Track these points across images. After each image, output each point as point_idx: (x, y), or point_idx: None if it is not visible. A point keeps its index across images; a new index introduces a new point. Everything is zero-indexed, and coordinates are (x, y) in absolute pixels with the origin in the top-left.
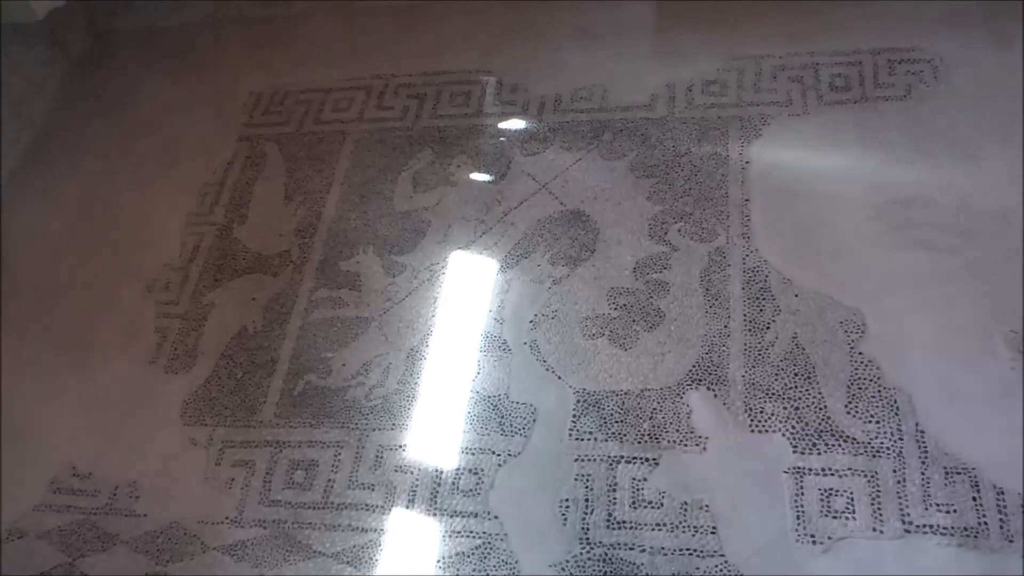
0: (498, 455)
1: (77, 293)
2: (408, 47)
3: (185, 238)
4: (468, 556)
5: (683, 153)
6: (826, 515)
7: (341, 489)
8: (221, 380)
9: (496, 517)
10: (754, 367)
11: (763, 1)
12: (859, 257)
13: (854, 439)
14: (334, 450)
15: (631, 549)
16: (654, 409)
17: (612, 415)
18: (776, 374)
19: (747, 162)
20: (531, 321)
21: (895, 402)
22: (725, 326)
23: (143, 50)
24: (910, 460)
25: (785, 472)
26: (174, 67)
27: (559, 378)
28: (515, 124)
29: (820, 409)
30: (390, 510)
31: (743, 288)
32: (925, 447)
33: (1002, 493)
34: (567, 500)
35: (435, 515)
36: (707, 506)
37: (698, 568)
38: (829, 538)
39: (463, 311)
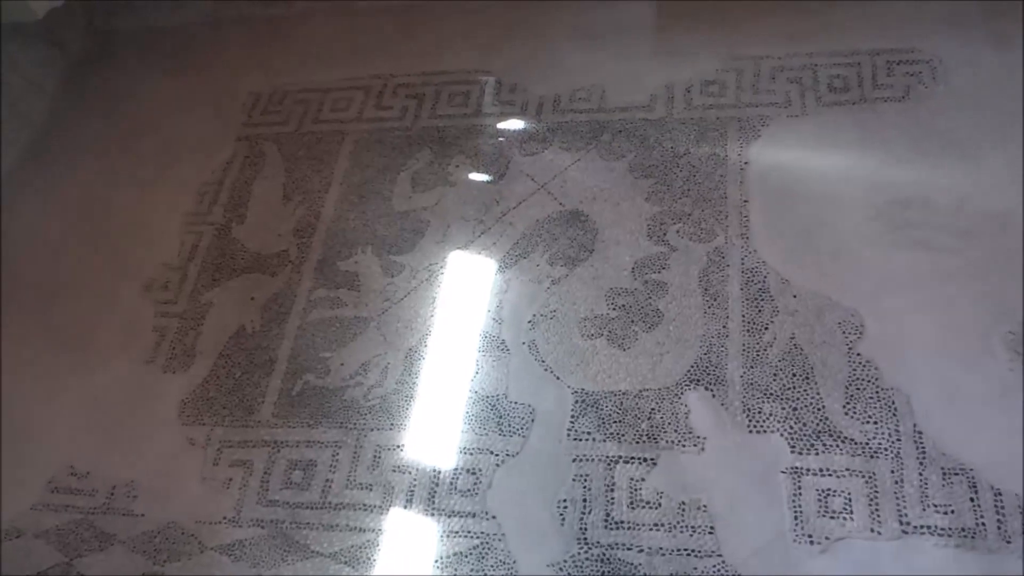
0: (496, 455)
1: (75, 292)
2: (408, 47)
3: (184, 237)
4: (466, 556)
5: (682, 154)
6: (824, 515)
7: (339, 489)
8: (219, 380)
9: (494, 517)
10: (752, 367)
11: (762, 1)
12: (858, 258)
13: (852, 440)
14: (332, 450)
15: (629, 549)
16: (652, 409)
17: (610, 415)
18: (774, 375)
19: (746, 163)
20: (530, 321)
21: (893, 403)
22: (723, 326)
23: (142, 50)
24: (908, 461)
25: (783, 472)
26: (173, 67)
27: (557, 378)
28: (514, 124)
29: (818, 410)
30: (388, 510)
31: (741, 289)
32: (923, 448)
33: (999, 494)
34: (565, 500)
35: (433, 515)
36: (705, 506)
37: (696, 568)
38: (827, 538)
39: (462, 311)
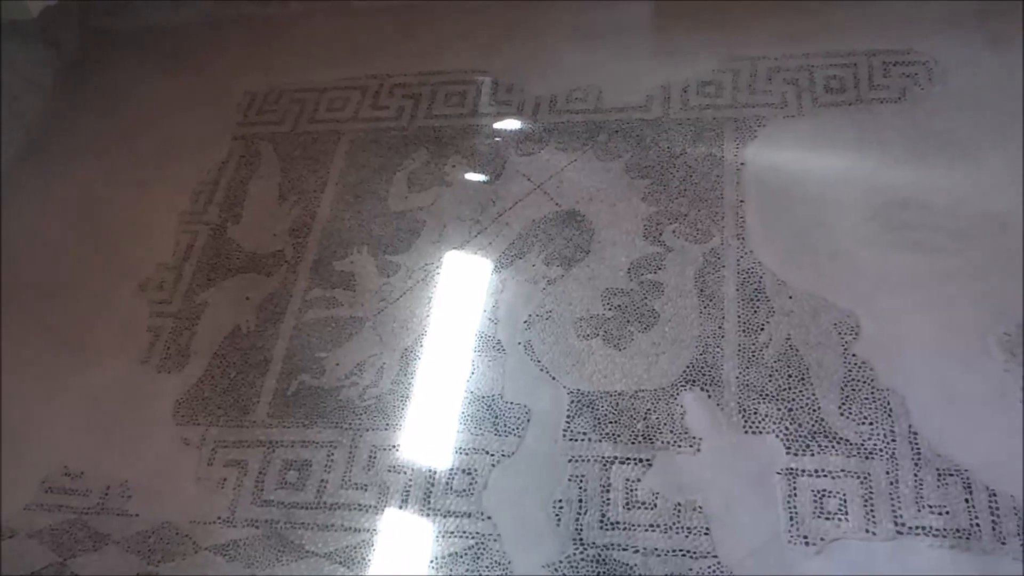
0: (492, 455)
1: (71, 292)
2: (407, 47)
3: (179, 237)
4: (461, 556)
5: (678, 154)
6: (819, 516)
7: (334, 489)
8: (214, 380)
9: (489, 517)
10: (748, 368)
11: (761, 1)
12: (854, 259)
13: (847, 441)
14: (327, 450)
15: (624, 550)
16: (648, 410)
17: (606, 416)
18: (770, 375)
19: (742, 163)
20: (525, 321)
21: (888, 404)
22: (719, 327)
23: (140, 49)
24: (903, 462)
25: (778, 473)
26: (171, 66)
27: (553, 378)
28: (510, 124)
29: (813, 411)
30: (383, 510)
31: (737, 289)
32: (918, 449)
33: (994, 495)
34: (561, 501)
35: (428, 515)
36: (700, 507)
37: (691, 569)
38: (822, 539)
39: (457, 311)
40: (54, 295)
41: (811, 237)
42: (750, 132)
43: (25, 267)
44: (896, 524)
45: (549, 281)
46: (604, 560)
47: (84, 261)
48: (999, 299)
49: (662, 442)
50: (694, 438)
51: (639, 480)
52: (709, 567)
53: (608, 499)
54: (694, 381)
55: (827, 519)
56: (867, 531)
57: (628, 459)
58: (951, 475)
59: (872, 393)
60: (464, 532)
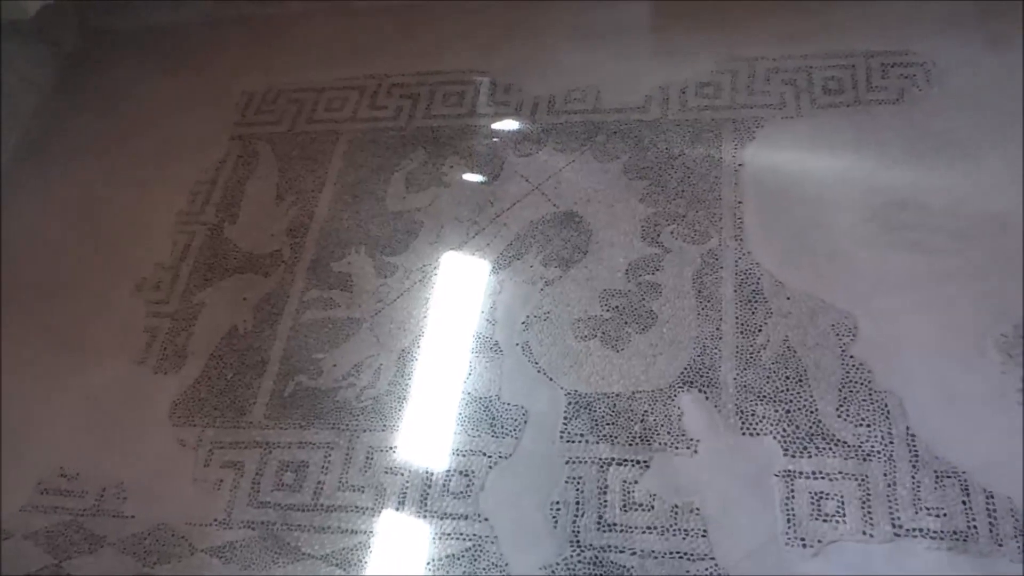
0: (489, 457)
1: (68, 292)
2: (407, 47)
3: (176, 237)
4: (458, 558)
5: (676, 155)
6: (816, 518)
7: (331, 491)
8: (211, 380)
9: (486, 519)
10: (745, 370)
11: (760, 1)
12: (852, 260)
13: (845, 442)
14: (324, 451)
15: (621, 552)
16: (645, 411)
17: (603, 417)
18: (767, 377)
19: (740, 164)
20: (523, 322)
21: (886, 405)
22: (717, 328)
23: (139, 49)
24: (900, 464)
25: (776, 475)
26: (170, 66)
27: (551, 380)
28: (508, 125)
29: (811, 412)
30: (380, 512)
31: (735, 290)
32: (915, 451)
33: (991, 497)
34: (558, 502)
35: (425, 517)
36: (698, 509)
37: (688, 571)
38: (819, 541)
39: (455, 312)
40: (52, 295)
41: (809, 238)
42: (748, 133)
43: (23, 267)
44: (893, 526)
45: (547, 282)
46: (601, 562)
47: (82, 261)
48: (997, 300)
49: (659, 444)
50: (692, 440)
51: (636, 482)
52: (706, 569)
53: (605, 501)
54: (692, 383)
55: (824, 521)
56: (864, 533)
57: (625, 461)
58: (948, 477)
59: (870, 395)
60: (461, 534)
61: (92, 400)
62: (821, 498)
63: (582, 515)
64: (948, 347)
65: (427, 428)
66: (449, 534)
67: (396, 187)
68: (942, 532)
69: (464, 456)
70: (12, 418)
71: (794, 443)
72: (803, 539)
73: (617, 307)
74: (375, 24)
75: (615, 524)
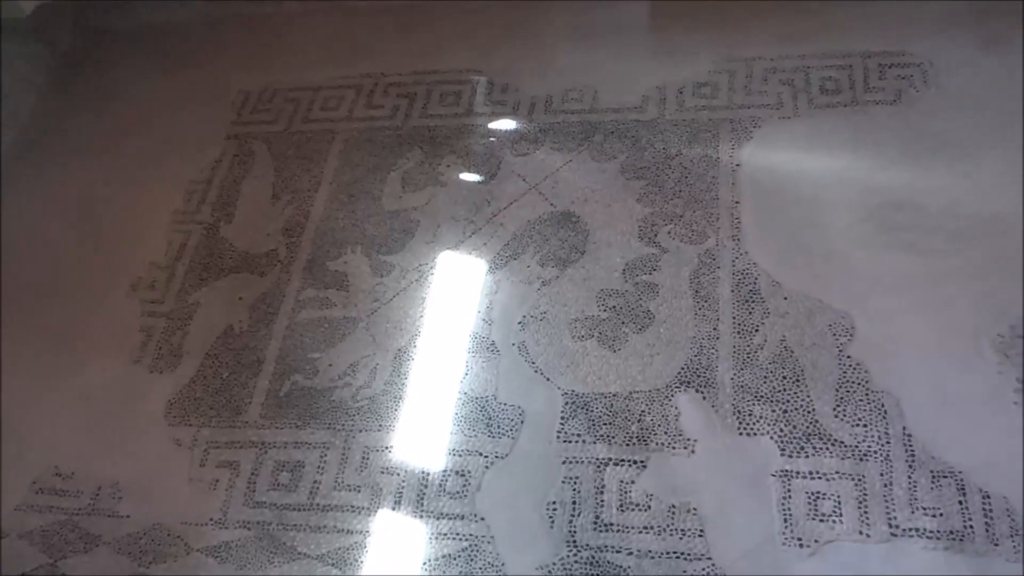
0: (485, 457)
1: (64, 291)
2: (406, 47)
3: (172, 236)
4: (455, 558)
5: (673, 155)
6: (813, 518)
7: (327, 490)
8: (206, 380)
9: (483, 519)
10: (743, 370)
11: (758, 1)
12: (849, 260)
13: (842, 442)
14: (320, 451)
15: (618, 552)
16: (642, 411)
17: (600, 417)
18: (764, 377)
19: (737, 164)
20: (520, 322)
21: (883, 406)
22: (714, 328)
23: (135, 48)
24: (897, 464)
25: (773, 475)
26: (167, 65)
27: (547, 380)
28: (505, 124)
29: (808, 412)
30: (376, 512)
31: (732, 290)
32: (912, 451)
33: (988, 497)
34: (554, 502)
35: (421, 517)
36: (694, 509)
37: (685, 571)
38: (816, 541)
39: (451, 312)
40: (48, 294)
41: (806, 238)
42: (746, 133)
43: (20, 266)
44: (890, 526)
45: (544, 282)
46: (598, 562)
47: (79, 260)
48: (994, 301)
49: (656, 444)
50: (688, 440)
51: (633, 482)
52: (703, 569)
53: (602, 501)
54: (689, 383)
55: (821, 521)
56: (861, 533)
57: (622, 461)
58: (945, 477)
59: (867, 395)
60: (457, 534)
61: (87, 399)
62: (818, 498)
63: (579, 515)
64: (945, 347)
65: (423, 428)
66: (445, 534)
67: (392, 186)
68: (938, 532)
69: (460, 456)
70: (7, 417)
71: (791, 443)
72: (800, 539)
73: (614, 307)
74: (374, 24)
75: (612, 524)
